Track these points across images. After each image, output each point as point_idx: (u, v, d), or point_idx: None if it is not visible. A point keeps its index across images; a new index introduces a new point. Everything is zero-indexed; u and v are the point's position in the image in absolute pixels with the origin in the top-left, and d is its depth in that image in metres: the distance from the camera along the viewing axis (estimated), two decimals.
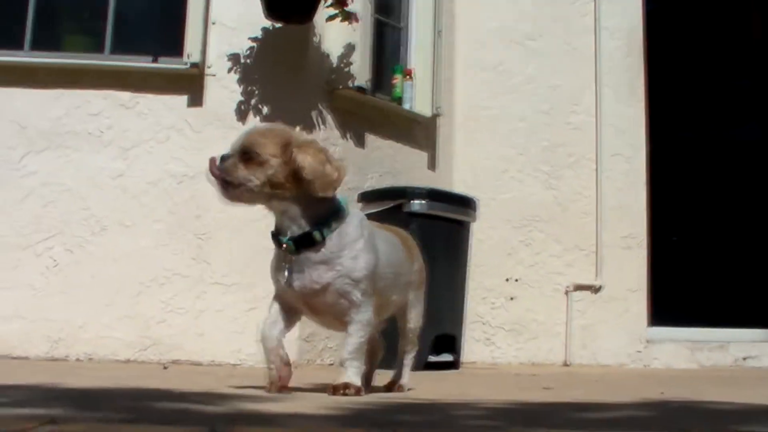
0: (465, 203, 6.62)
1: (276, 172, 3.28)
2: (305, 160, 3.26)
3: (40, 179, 6.17)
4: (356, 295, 3.36)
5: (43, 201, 6.14)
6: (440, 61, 7.25)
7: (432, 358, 6.29)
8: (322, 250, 3.32)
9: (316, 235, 3.32)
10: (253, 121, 6.15)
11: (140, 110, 6.23)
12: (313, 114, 6.32)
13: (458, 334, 6.62)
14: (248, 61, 6.24)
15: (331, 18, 6.15)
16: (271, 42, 6.27)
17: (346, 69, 6.43)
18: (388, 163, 6.87)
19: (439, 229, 6.35)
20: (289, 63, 6.30)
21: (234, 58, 6.24)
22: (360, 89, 6.48)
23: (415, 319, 3.96)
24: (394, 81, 7.02)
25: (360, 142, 6.64)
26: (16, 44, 6.40)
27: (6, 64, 6.32)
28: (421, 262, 4.03)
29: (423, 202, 6.26)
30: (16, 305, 6.02)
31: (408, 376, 4.00)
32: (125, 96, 6.26)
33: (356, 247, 3.34)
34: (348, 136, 6.54)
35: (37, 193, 6.14)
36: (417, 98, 7.09)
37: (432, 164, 7.33)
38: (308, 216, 3.32)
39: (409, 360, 4.03)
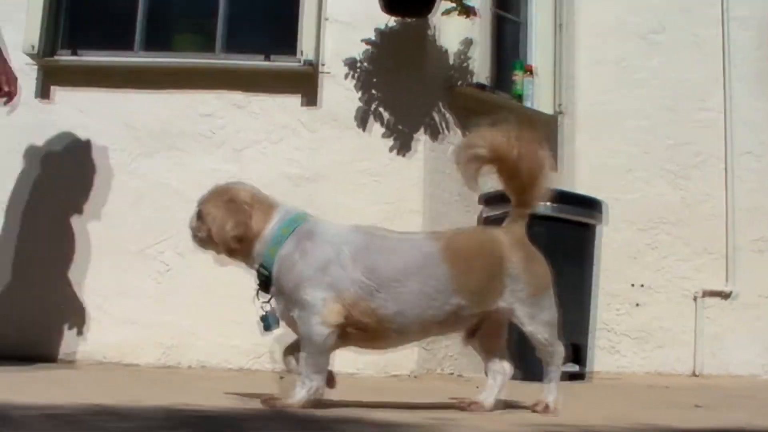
0: (591, 205, 6.31)
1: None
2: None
3: (152, 182, 6.03)
4: (295, 312, 3.25)
5: (154, 204, 5.99)
6: (562, 56, 6.94)
7: None
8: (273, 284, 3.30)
9: (262, 271, 3.38)
10: (370, 121, 5.94)
11: (253, 110, 6.05)
12: (433, 112, 6.06)
13: (584, 343, 6.30)
14: (364, 58, 6.02)
15: (447, 12, 5.88)
16: (388, 38, 6.04)
17: (465, 65, 6.16)
18: None
19: (564, 232, 6.06)
20: (407, 59, 6.06)
21: (350, 55, 6.02)
22: (480, 86, 6.21)
23: (541, 328, 3.52)
24: (515, 77, 6.74)
25: None
26: (126, 45, 6.29)
27: (117, 66, 6.21)
28: (527, 266, 3.51)
29: (548, 204, 5.96)
30: (127, 311, 5.88)
31: (555, 392, 3.58)
32: (237, 96, 6.09)
33: (294, 268, 3.24)
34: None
35: (149, 196, 6.00)
36: (538, 95, 6.80)
37: (554, 165, 7.00)
38: (255, 256, 3.37)
39: (552, 374, 3.62)
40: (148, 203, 6.00)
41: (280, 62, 6.09)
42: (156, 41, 6.29)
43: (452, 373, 5.95)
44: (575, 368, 6.13)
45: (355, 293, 3.19)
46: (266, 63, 6.12)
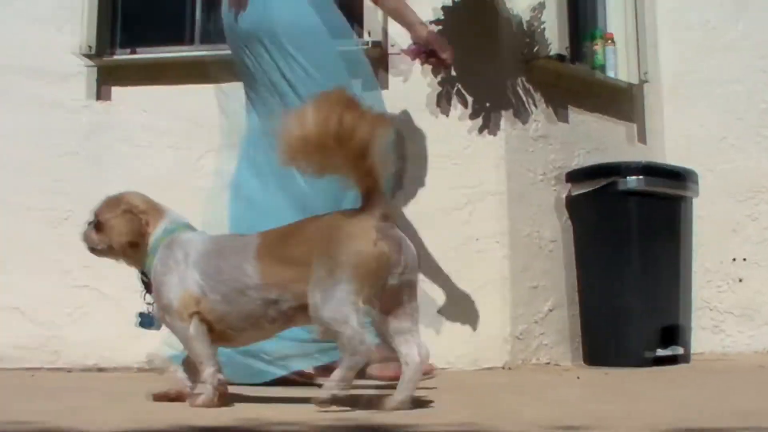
0: (685, 177, 5.91)
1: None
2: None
3: (221, 179, 5.77)
4: (166, 320, 3.37)
5: (225, 202, 5.73)
6: (642, 22, 6.54)
7: (660, 352, 5.64)
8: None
9: (142, 278, 3.47)
10: (444, 101, 5.63)
11: None
12: (510, 88, 5.74)
13: (686, 324, 5.92)
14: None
15: None
16: (458, 9, 5.70)
17: (542, 37, 5.80)
18: (594, 137, 6.20)
19: (658, 207, 5.70)
20: (478, 34, 5.71)
21: None
22: (559, 57, 5.84)
23: (318, 313, 2.99)
24: (595, 47, 6.34)
25: (563, 117, 6.00)
26: (185, 39, 6.09)
27: (176, 60, 5.99)
28: (326, 257, 3.01)
29: (639, 178, 5.61)
30: None
31: (338, 380, 3.00)
32: None
33: (156, 276, 3.36)
34: (549, 110, 5.92)
35: (218, 194, 5.73)
36: (620, 65, 6.41)
37: (641, 136, 6.62)
38: (142, 264, 3.45)
39: (344, 361, 3.02)
40: (219, 201, 5.75)
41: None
42: (215, 32, 6.04)
43: (548, 363, 5.63)
44: (678, 350, 5.77)
45: (197, 293, 3.24)
46: None
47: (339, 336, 2.94)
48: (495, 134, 5.60)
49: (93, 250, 3.53)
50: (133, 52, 6.04)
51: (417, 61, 4.99)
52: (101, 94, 5.99)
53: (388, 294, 3.05)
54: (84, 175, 5.89)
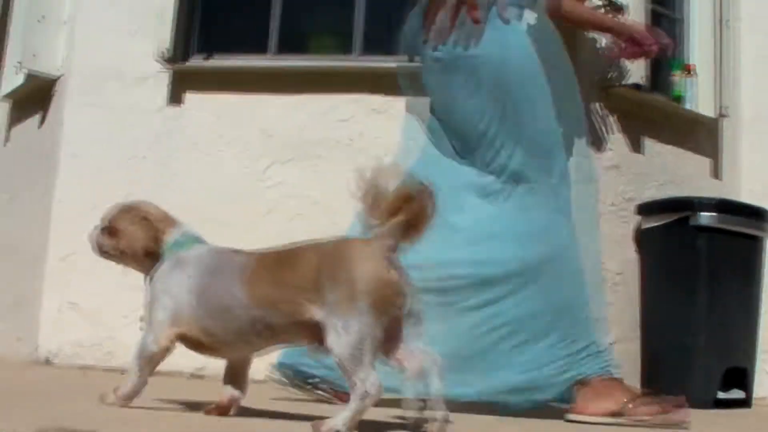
0: (761, 215, 5.77)
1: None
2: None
3: (286, 191, 5.76)
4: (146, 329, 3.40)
5: (289, 215, 5.71)
6: (725, 54, 6.42)
7: (721, 395, 5.50)
8: None
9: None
10: None
11: (394, 114, 5.70)
12: (586, 115, 5.64)
13: (750, 367, 5.77)
14: None
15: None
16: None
17: (620, 64, 5.70)
18: (669, 170, 6.09)
19: (729, 245, 5.57)
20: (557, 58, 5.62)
21: None
22: (637, 87, 5.75)
23: (339, 347, 2.85)
24: (674, 77, 6.22)
25: (637, 147, 5.90)
26: (260, 48, 6.05)
27: (250, 70, 5.98)
28: (341, 280, 2.91)
29: (712, 214, 5.49)
30: None
31: (344, 421, 2.78)
32: (377, 100, 5.75)
33: (154, 287, 3.38)
34: (624, 139, 5.82)
35: (283, 206, 5.72)
36: (699, 97, 6.27)
37: (716, 172, 6.48)
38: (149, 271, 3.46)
39: (353, 402, 2.84)
40: (283, 213, 5.73)
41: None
42: (291, 43, 6.03)
43: None
44: (740, 394, 5.63)
45: (189, 315, 3.26)
46: (407, 64, 5.77)
47: (350, 374, 2.80)
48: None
49: (103, 253, 3.53)
50: (209, 58, 6.03)
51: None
52: (174, 99, 6.00)
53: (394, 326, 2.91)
54: (150, 179, 5.90)
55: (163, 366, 3.32)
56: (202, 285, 3.26)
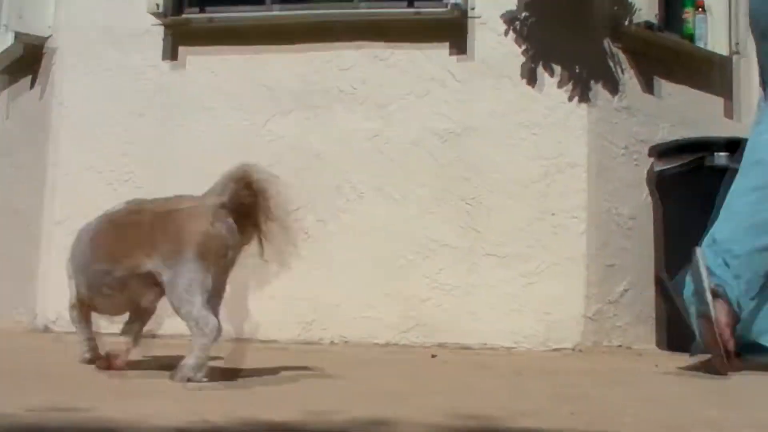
0: None
1: None
2: None
3: (288, 144, 5.60)
4: None
5: (291, 168, 5.55)
6: None
7: None
8: None
9: None
10: (527, 67, 5.38)
11: (396, 62, 5.55)
12: (596, 56, 5.48)
13: None
14: None
15: None
16: None
17: (631, 2, 5.53)
18: (681, 111, 5.91)
19: None
20: None
21: None
22: (648, 25, 5.57)
23: (171, 293, 3.24)
24: (686, 15, 6.03)
25: (649, 88, 5.72)
26: (258, 0, 5.84)
27: (248, 22, 5.78)
28: (171, 234, 3.27)
29: (728, 155, 5.31)
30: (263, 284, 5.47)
31: (191, 368, 3.14)
32: (379, 47, 5.58)
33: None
34: (635, 81, 5.64)
35: (286, 159, 5.55)
36: (711, 34, 6.09)
37: (729, 112, 6.30)
38: None
39: (194, 347, 3.19)
40: (285, 167, 5.56)
41: (425, 9, 5.56)
42: None
43: (620, 346, 5.40)
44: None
45: (78, 282, 3.56)
46: (409, 11, 5.59)
47: (186, 319, 3.16)
48: (583, 102, 5.37)
49: None
50: (202, 11, 5.84)
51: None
52: (169, 55, 5.82)
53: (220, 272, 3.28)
54: (148, 137, 5.76)
55: None
56: (77, 252, 3.59)
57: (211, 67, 5.77)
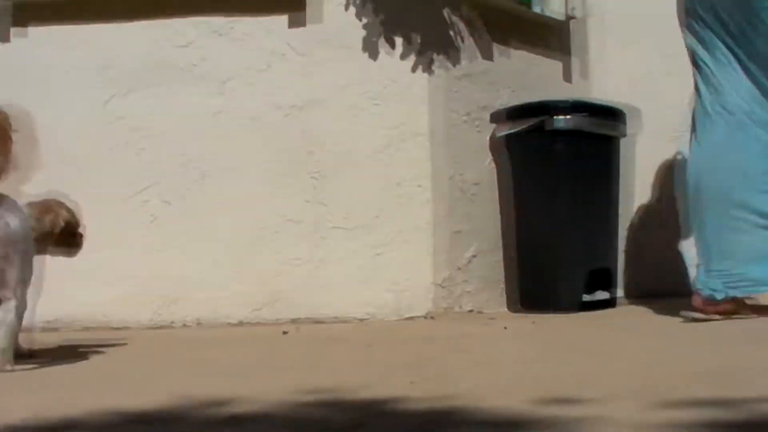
0: (614, 115, 5.73)
1: None
2: None
3: (129, 124, 5.48)
4: None
5: (134, 149, 5.45)
6: None
7: (586, 298, 5.48)
8: None
9: None
10: (366, 38, 5.37)
11: (235, 36, 5.46)
12: (434, 24, 5.50)
13: (613, 267, 5.77)
14: None
15: None
16: None
17: None
18: (521, 76, 5.98)
19: (586, 147, 5.51)
20: None
21: None
22: None
23: None
24: None
25: (487, 54, 5.76)
26: None
27: None
28: None
29: (568, 117, 5.41)
30: (112, 268, 5.36)
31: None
32: (217, 21, 5.47)
33: None
34: (474, 47, 5.68)
35: (127, 140, 5.45)
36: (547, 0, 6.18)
37: (568, 75, 6.41)
38: None
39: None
40: (127, 148, 5.46)
41: None
42: None
43: (472, 311, 5.46)
44: (605, 295, 5.63)
45: None
46: None
47: None
48: (423, 72, 5.37)
49: None
50: None
51: None
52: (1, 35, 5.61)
53: None
54: None
55: None
56: None
57: (45, 45, 5.58)
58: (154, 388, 2.75)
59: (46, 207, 3.74)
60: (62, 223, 3.77)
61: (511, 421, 1.98)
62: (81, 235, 3.92)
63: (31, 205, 3.68)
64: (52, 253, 3.90)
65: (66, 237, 3.81)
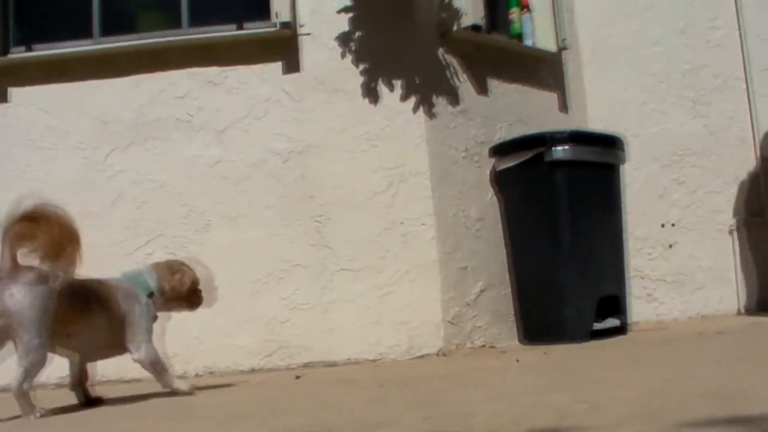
0: (612, 143, 5.74)
1: None
2: None
3: (130, 178, 5.50)
4: None
5: (135, 202, 5.46)
6: None
7: (597, 326, 5.48)
8: None
9: None
10: (361, 81, 5.40)
11: (230, 85, 5.50)
12: (428, 64, 5.53)
13: (621, 294, 5.76)
14: (346, 12, 5.45)
15: None
16: None
17: (456, 7, 5.60)
18: (517, 109, 6.01)
19: (587, 175, 5.51)
20: (392, 9, 5.49)
21: (328, 11, 5.46)
22: (475, 28, 5.62)
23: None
24: (511, 15, 6.15)
25: (482, 89, 5.80)
26: (84, 32, 5.71)
27: (77, 55, 5.63)
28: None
29: (566, 147, 5.42)
30: None
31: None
32: (212, 72, 5.52)
33: None
34: (468, 84, 5.71)
35: (129, 193, 5.47)
36: (538, 33, 6.20)
37: (563, 105, 6.44)
38: None
39: None
40: (129, 202, 5.47)
41: (254, 29, 5.53)
42: (115, 24, 5.73)
43: (483, 346, 5.46)
44: (615, 323, 5.62)
45: None
46: (239, 32, 5.56)
47: None
48: (420, 111, 5.40)
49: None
50: (29, 50, 5.69)
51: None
52: None
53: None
54: None
55: None
56: None
57: (43, 104, 5.61)
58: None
59: (172, 268, 4.11)
60: (188, 282, 4.10)
61: None
62: (201, 291, 4.21)
63: (156, 266, 4.14)
64: (177, 310, 4.25)
65: (190, 295, 4.15)
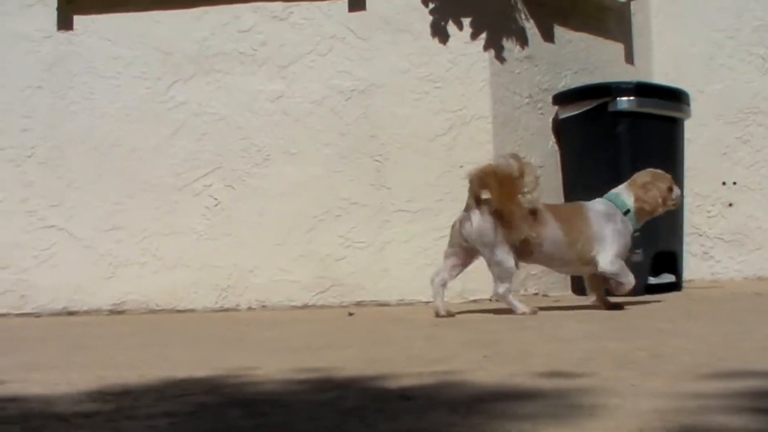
0: (677, 97, 5.65)
1: None
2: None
3: (191, 110, 5.51)
4: None
5: (196, 134, 5.48)
6: None
7: (652, 281, 5.44)
8: None
9: None
10: (427, 20, 5.35)
11: (295, 21, 5.48)
12: (497, 7, 5.47)
13: (678, 250, 5.71)
14: None
15: None
16: None
17: None
18: (582, 58, 5.95)
19: (650, 128, 5.45)
20: None
21: None
22: None
23: None
24: None
25: (549, 36, 5.74)
26: None
27: None
28: None
29: (631, 98, 5.36)
30: (177, 252, 5.42)
31: None
32: (277, 6, 5.50)
33: None
34: (536, 30, 5.64)
35: (189, 125, 5.48)
36: None
37: (629, 56, 6.36)
38: None
39: None
40: (189, 133, 5.49)
41: None
42: None
43: (537, 293, 5.44)
44: (671, 278, 5.57)
45: None
46: None
47: None
48: (477, 55, 5.35)
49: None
50: None
51: None
52: (63, 24, 5.65)
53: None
54: (47, 109, 5.59)
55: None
56: None
57: (107, 34, 5.62)
58: (222, 360, 2.76)
59: (644, 186, 4.47)
60: (659, 196, 4.47)
61: (590, 389, 1.96)
62: (675, 195, 4.57)
63: (631, 184, 4.52)
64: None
65: (665, 205, 4.53)
